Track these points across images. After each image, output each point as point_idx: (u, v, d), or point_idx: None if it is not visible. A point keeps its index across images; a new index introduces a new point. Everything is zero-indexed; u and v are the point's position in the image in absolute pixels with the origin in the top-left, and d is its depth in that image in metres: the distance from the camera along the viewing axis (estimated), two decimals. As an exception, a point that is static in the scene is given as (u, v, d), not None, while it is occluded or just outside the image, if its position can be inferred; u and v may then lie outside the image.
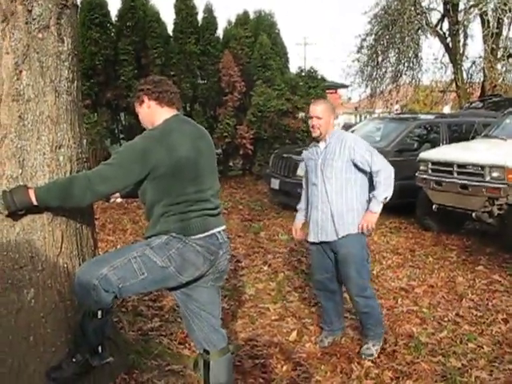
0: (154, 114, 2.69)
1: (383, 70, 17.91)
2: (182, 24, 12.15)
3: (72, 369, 2.66)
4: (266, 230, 7.54)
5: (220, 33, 12.99)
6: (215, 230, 2.65)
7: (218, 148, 11.55)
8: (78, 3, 2.90)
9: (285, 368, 3.52)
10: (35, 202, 2.48)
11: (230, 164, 13.16)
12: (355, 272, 3.62)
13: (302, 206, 4.08)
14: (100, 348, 2.66)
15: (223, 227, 2.73)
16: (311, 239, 3.80)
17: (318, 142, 3.69)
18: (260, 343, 3.86)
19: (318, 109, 3.58)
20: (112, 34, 11.70)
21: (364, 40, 17.53)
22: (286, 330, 4.11)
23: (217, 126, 11.76)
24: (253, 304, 4.66)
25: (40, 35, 2.56)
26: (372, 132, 9.92)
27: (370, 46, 17.41)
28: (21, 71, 2.53)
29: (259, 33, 12.61)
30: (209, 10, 12.79)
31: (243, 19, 13.17)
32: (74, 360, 2.66)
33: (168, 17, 12.33)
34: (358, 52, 17.67)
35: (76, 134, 2.78)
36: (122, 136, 12.15)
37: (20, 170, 2.57)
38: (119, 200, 3.12)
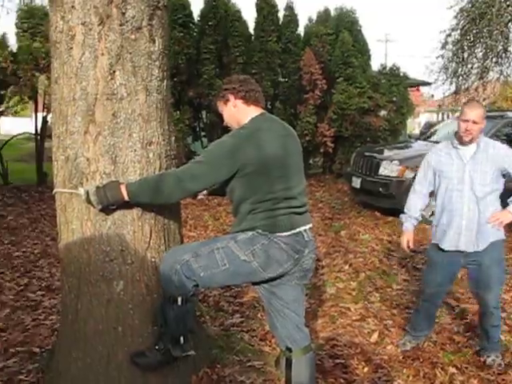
0: (240, 112, 2.72)
1: (469, 66, 17.19)
2: (263, 22, 12.21)
3: (154, 356, 2.75)
4: (346, 229, 7.47)
5: (301, 30, 12.97)
6: (301, 228, 2.65)
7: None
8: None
9: (366, 369, 3.47)
10: (127, 198, 2.57)
11: (310, 162, 13.13)
12: (498, 283, 3.51)
13: (412, 212, 3.95)
14: (182, 339, 2.72)
15: (309, 225, 2.72)
16: (446, 247, 3.57)
17: (452, 145, 3.50)
18: (340, 343, 3.83)
19: (475, 113, 3.35)
20: (194, 34, 11.92)
21: (449, 35, 16.85)
22: (367, 331, 4.05)
23: (297, 123, 11.75)
24: (333, 303, 4.63)
25: (133, 36, 2.65)
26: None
27: (456, 41, 16.74)
28: (114, 71, 2.63)
29: (341, 30, 12.49)
30: (290, 8, 12.79)
31: (324, 16, 13.09)
32: (156, 348, 2.76)
33: (249, 15, 12.42)
34: (443, 48, 17.05)
35: (165, 131, 2.86)
36: (203, 134, 12.38)
37: (112, 167, 2.67)
38: (200, 196, 3.18)
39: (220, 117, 2.87)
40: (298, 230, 2.63)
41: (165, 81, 2.85)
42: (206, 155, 2.58)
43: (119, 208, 2.70)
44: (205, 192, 3.01)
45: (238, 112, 2.73)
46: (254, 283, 2.80)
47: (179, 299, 2.60)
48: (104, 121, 2.65)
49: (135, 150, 2.71)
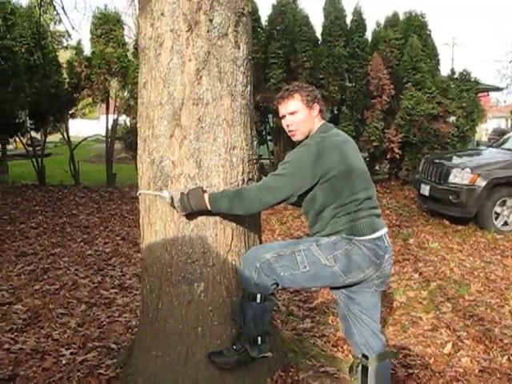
0: (316, 123, 2.77)
1: (544, 70, 16.65)
2: (331, 27, 12.16)
3: (232, 356, 2.78)
4: (415, 237, 7.34)
5: (369, 35, 12.82)
6: (382, 232, 2.64)
7: (365, 152, 11.42)
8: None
9: (441, 381, 3.39)
10: (209, 208, 2.65)
11: (376, 168, 12.97)
12: None
13: None
14: (260, 340, 2.75)
15: (386, 230, 2.72)
16: None
17: None
18: (413, 353, 3.75)
19: None
20: (262, 38, 12.00)
21: (523, 39, 16.43)
22: (440, 342, 3.95)
23: (364, 129, 11.65)
24: (404, 312, 4.55)
25: (219, 42, 2.70)
26: (531, 138, 9.32)
27: (530, 45, 16.26)
28: (201, 76, 2.69)
29: (409, 34, 12.27)
30: (357, 13, 12.68)
31: (393, 20, 12.89)
32: (234, 347, 2.79)
33: (317, 20, 12.42)
34: (517, 52, 16.58)
35: (248, 136, 2.90)
36: (269, 138, 12.45)
37: (197, 170, 2.73)
38: None
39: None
40: (380, 232, 2.62)
41: (248, 86, 2.90)
42: (287, 167, 2.60)
43: (202, 212, 2.75)
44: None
45: (315, 121, 2.76)
46: (333, 288, 2.80)
47: (258, 296, 2.62)
48: (190, 125, 2.71)
49: (219, 155, 2.76)
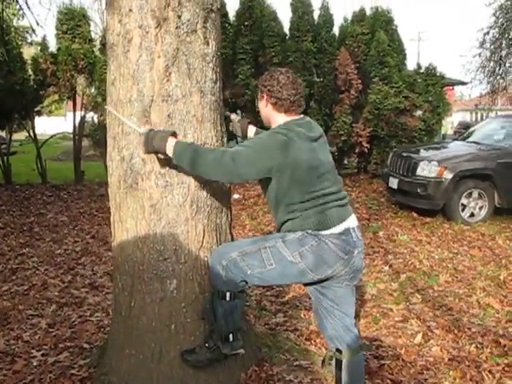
0: (271, 115, 2.74)
1: (507, 65, 16.94)
2: (299, 22, 12.19)
3: (204, 354, 2.80)
4: (384, 230, 7.43)
5: (336, 30, 12.89)
6: (350, 225, 2.63)
7: (333, 146, 11.49)
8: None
9: (412, 371, 3.45)
10: (168, 151, 2.57)
11: (345, 162, 13.08)
12: None
13: None
14: (231, 337, 2.76)
15: (356, 224, 2.71)
16: None
17: None
18: (385, 344, 3.81)
19: None
20: (230, 34, 11.97)
21: (487, 34, 16.67)
22: (411, 333, 4.02)
23: (332, 123, 11.72)
24: (375, 304, 4.61)
25: (188, 39, 2.70)
26: (495, 130, 9.50)
27: (494, 39, 16.50)
28: (170, 73, 2.68)
29: (376, 29, 12.36)
30: (325, 8, 12.72)
31: (360, 16, 12.97)
32: (206, 345, 2.80)
33: (284, 15, 12.42)
34: (481, 46, 16.83)
35: (218, 132, 2.90)
36: (238, 133, 12.43)
37: (168, 167, 2.72)
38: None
39: (256, 115, 2.90)
40: (344, 225, 2.60)
41: (218, 82, 2.90)
42: (252, 143, 2.60)
43: (172, 208, 2.75)
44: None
45: (269, 113, 2.75)
46: (305, 284, 2.81)
47: (227, 294, 2.63)
48: (159, 122, 2.70)
49: (190, 151, 2.74)
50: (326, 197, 2.60)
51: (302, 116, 2.75)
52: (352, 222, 2.68)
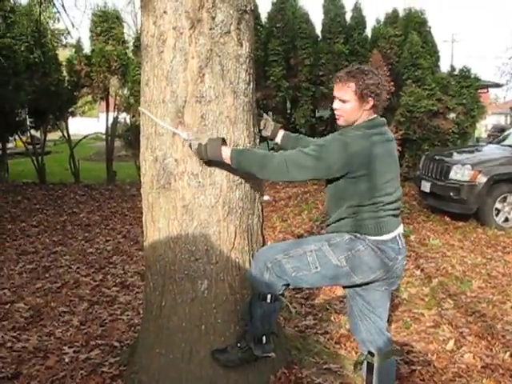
0: (363, 115, 2.60)
1: (544, 67, 16.63)
2: (331, 24, 12.17)
3: (235, 354, 2.79)
4: (416, 234, 7.34)
5: (369, 32, 12.83)
6: (397, 233, 2.62)
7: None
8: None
9: (443, 378, 3.39)
10: (228, 161, 2.59)
11: (376, 165, 12.96)
12: None
13: None
14: (265, 339, 2.75)
15: (402, 230, 2.69)
16: None
17: None
18: (416, 349, 3.76)
19: None
20: (262, 36, 12.00)
21: (523, 35, 16.40)
22: (443, 339, 3.96)
23: (364, 126, 11.63)
24: (406, 309, 4.56)
25: (222, 40, 2.69)
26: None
27: (530, 41, 16.23)
28: (204, 74, 2.68)
29: (409, 31, 12.25)
30: (357, 9, 12.70)
31: (392, 17, 12.89)
32: (238, 345, 2.79)
33: (316, 17, 12.43)
34: (517, 48, 16.56)
35: (251, 133, 2.90)
36: (268, 135, 12.43)
37: (200, 168, 2.73)
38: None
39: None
40: (394, 233, 2.60)
41: (251, 83, 2.89)
42: (318, 150, 2.52)
43: (204, 209, 2.76)
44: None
45: (362, 113, 2.59)
46: (344, 286, 2.80)
47: (268, 296, 2.62)
48: (193, 123, 2.71)
49: (222, 152, 2.75)
50: (387, 205, 2.57)
51: (376, 116, 2.65)
52: (400, 229, 2.67)
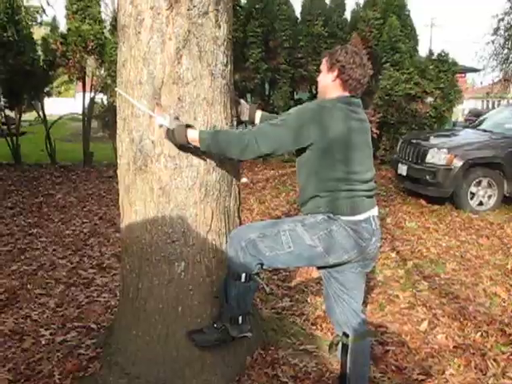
0: (333, 89, 2.67)
1: (522, 52, 16.77)
2: (310, 6, 12.14)
3: (212, 334, 2.81)
4: (392, 216, 7.41)
5: (348, 14, 12.85)
6: (371, 214, 2.64)
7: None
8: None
9: (416, 358, 3.46)
10: (196, 144, 2.61)
11: (354, 148, 13.02)
12: None
13: None
14: (241, 319, 2.77)
15: (377, 212, 2.71)
16: None
17: None
18: (390, 330, 3.83)
19: None
20: (241, 17, 11.90)
21: (502, 20, 16.47)
22: (417, 320, 4.03)
23: (342, 109, 11.66)
24: (381, 290, 4.62)
25: (199, 21, 2.67)
26: (507, 119, 9.39)
27: (508, 26, 16.31)
28: (181, 55, 2.66)
29: (388, 14, 12.26)
30: (337, -8, 12.66)
31: (372, 0, 12.87)
32: (214, 326, 2.81)
33: (296, -1, 12.43)
34: (494, 33, 16.64)
35: (228, 115, 2.89)
36: (246, 117, 12.41)
37: (177, 150, 2.71)
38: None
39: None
40: (368, 214, 2.62)
41: (229, 65, 2.87)
42: (286, 118, 2.57)
43: (181, 191, 2.75)
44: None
45: (331, 87, 2.67)
46: (319, 267, 2.82)
47: (243, 275, 2.63)
48: (170, 104, 2.69)
49: (199, 134, 2.74)
50: (360, 184, 2.59)
51: (352, 94, 2.68)
52: (375, 211, 2.69)
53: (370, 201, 2.68)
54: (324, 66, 2.72)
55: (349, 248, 2.59)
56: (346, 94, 2.65)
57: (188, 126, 2.64)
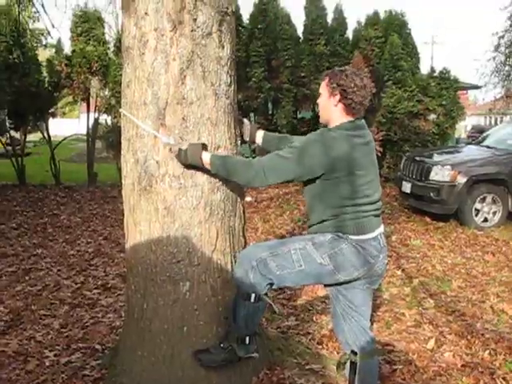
0: (335, 114, 2.66)
1: (522, 69, 16.83)
2: (312, 25, 12.23)
3: (218, 354, 2.79)
4: (397, 234, 7.39)
5: (350, 33, 12.91)
6: (378, 232, 2.65)
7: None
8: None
9: (424, 377, 3.42)
10: (208, 166, 2.64)
11: (357, 166, 13.02)
12: None
13: None
14: (248, 340, 2.76)
15: (383, 229, 2.72)
16: None
17: None
18: (397, 349, 3.79)
19: None
20: (244, 37, 12.00)
21: (502, 37, 16.56)
22: (423, 338, 4.00)
23: (345, 127, 11.69)
24: (387, 308, 4.59)
25: (203, 42, 2.70)
26: (510, 135, 9.40)
27: (509, 43, 16.39)
28: (185, 76, 2.68)
29: (390, 33, 12.34)
30: (339, 11, 12.77)
31: (373, 19, 12.95)
32: (221, 346, 2.79)
33: (298, 19, 12.48)
34: (495, 50, 16.73)
35: (232, 135, 2.90)
36: (250, 136, 12.45)
37: (182, 170, 2.72)
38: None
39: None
40: (375, 233, 2.63)
41: (232, 85, 2.89)
42: (294, 152, 2.56)
43: (186, 211, 2.75)
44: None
45: (334, 112, 2.66)
46: (326, 284, 2.82)
47: (252, 296, 2.62)
48: (174, 125, 2.71)
49: (204, 154, 2.75)
50: (367, 206, 2.60)
51: (357, 118, 2.68)
52: (381, 228, 2.70)
53: (377, 219, 2.69)
54: (324, 90, 2.69)
55: (358, 265, 2.60)
56: (350, 118, 2.65)
57: (203, 146, 2.68)
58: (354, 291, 2.73)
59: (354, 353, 2.75)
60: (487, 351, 3.73)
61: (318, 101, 2.76)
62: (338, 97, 2.62)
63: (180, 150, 2.66)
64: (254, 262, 2.58)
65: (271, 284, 2.64)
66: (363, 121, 2.72)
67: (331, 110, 2.67)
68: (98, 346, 3.73)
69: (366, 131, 2.71)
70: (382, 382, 3.28)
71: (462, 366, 3.57)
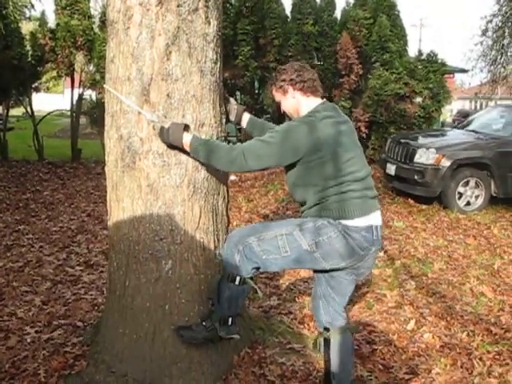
0: (299, 103, 2.73)
1: (509, 54, 16.83)
2: (301, 5, 12.11)
3: (200, 332, 2.80)
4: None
5: (338, 14, 12.81)
6: (374, 223, 2.60)
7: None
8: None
9: (403, 357, 3.47)
10: (187, 148, 2.64)
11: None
12: None
13: None
14: (230, 320, 2.77)
15: (380, 223, 2.67)
16: None
17: None
18: (377, 329, 3.84)
19: None
20: (231, 15, 11.87)
21: (490, 22, 16.53)
22: (404, 319, 4.04)
23: (331, 107, 11.68)
24: (369, 289, 4.63)
25: (189, 17, 2.66)
26: (494, 120, 9.46)
27: (497, 27, 16.36)
28: (170, 52, 2.65)
29: (378, 14, 12.26)
30: (327, -10, 12.64)
31: (362, 0, 12.88)
32: (203, 324, 2.81)
33: (286, -3, 12.41)
34: (483, 35, 16.70)
35: (217, 113, 2.87)
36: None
37: (165, 147, 2.70)
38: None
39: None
40: (371, 222, 2.58)
41: (218, 63, 2.86)
42: (275, 136, 2.56)
43: (169, 188, 2.74)
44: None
45: (297, 103, 2.74)
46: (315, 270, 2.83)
47: (237, 278, 2.64)
48: (158, 101, 2.68)
49: (188, 131, 2.72)
50: (353, 184, 2.56)
51: (324, 100, 2.76)
52: (377, 220, 2.65)
53: (370, 203, 2.62)
54: (277, 94, 2.80)
55: (346, 255, 2.58)
56: (313, 97, 2.72)
57: (186, 127, 2.66)
58: (339, 279, 2.73)
59: (326, 329, 2.79)
60: (465, 332, 3.79)
61: (282, 109, 2.84)
62: (290, 88, 2.71)
63: (162, 128, 2.63)
64: (240, 246, 2.59)
65: (257, 268, 2.66)
66: (332, 103, 2.78)
67: (294, 103, 2.75)
68: (79, 323, 3.71)
69: (339, 112, 2.73)
70: (362, 362, 3.32)
71: (441, 346, 3.63)
